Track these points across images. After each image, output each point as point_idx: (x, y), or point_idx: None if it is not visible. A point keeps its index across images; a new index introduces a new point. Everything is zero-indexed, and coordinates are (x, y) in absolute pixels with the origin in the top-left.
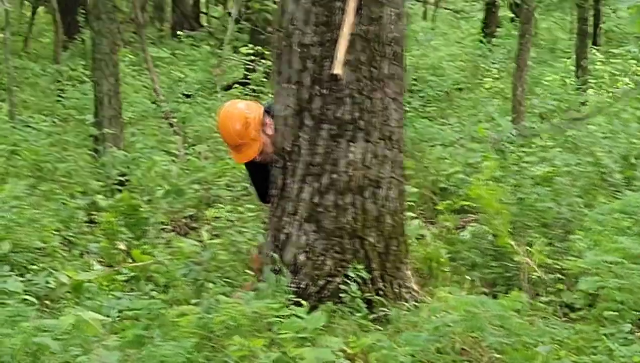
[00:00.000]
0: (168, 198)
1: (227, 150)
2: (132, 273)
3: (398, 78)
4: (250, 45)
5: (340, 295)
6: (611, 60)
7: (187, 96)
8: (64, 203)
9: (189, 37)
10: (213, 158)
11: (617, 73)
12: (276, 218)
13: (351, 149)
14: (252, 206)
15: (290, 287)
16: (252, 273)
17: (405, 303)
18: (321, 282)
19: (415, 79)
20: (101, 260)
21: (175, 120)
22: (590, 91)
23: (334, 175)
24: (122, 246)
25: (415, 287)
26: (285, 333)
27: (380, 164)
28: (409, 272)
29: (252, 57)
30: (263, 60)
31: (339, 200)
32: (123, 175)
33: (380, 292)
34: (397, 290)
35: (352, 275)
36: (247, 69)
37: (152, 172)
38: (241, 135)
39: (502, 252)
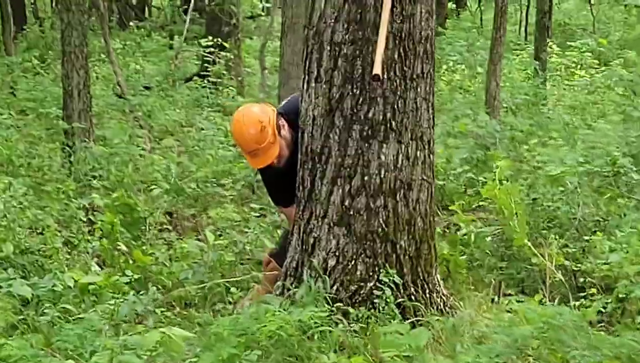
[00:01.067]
0: (167, 197)
1: (243, 155)
2: (136, 275)
3: (429, 77)
4: (210, 37)
5: (374, 301)
6: (566, 52)
7: (147, 88)
8: (66, 204)
9: (139, 28)
10: (189, 153)
11: (573, 66)
12: (304, 221)
13: (383, 150)
14: (255, 206)
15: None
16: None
17: (437, 309)
18: (352, 287)
19: None
20: (97, 261)
21: (140, 113)
22: (547, 84)
23: (366, 178)
24: (123, 247)
25: (444, 291)
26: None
27: (411, 165)
28: (438, 276)
29: (212, 49)
30: (222, 53)
31: (371, 203)
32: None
33: (412, 298)
34: (428, 296)
35: (385, 280)
36: (206, 61)
37: (129, 168)
38: (257, 140)
39: (511, 253)
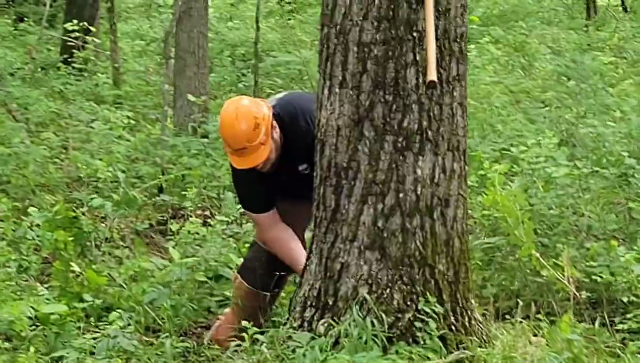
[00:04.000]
0: (115, 208)
1: (224, 152)
2: (96, 301)
3: (464, 79)
4: (75, 21)
5: (416, 334)
6: None
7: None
8: (15, 222)
9: None
10: (83, 150)
11: None
12: (327, 244)
13: (419, 163)
14: (223, 218)
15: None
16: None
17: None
18: (389, 319)
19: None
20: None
21: (14, 105)
22: None
23: (401, 195)
24: (76, 268)
25: (479, 317)
26: None
27: (448, 179)
28: (473, 301)
29: (77, 34)
30: (88, 37)
31: (407, 223)
32: None
33: (453, 328)
34: (467, 324)
35: (426, 309)
36: (71, 47)
37: (30, 170)
38: (248, 137)
39: (507, 264)
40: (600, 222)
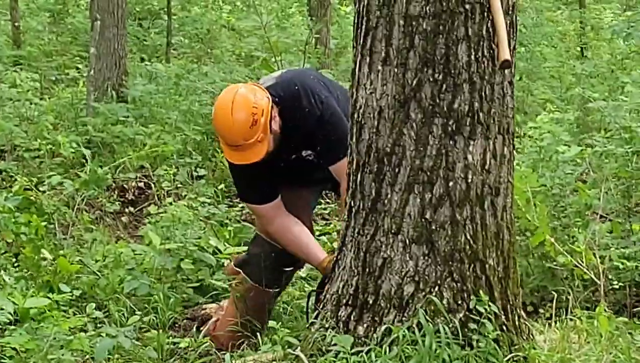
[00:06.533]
0: (88, 190)
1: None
2: (76, 292)
3: (514, 55)
4: None
5: (470, 336)
6: None
7: None
8: None
9: None
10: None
11: None
12: (366, 237)
13: (470, 148)
14: (205, 199)
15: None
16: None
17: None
18: (437, 320)
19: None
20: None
21: None
22: None
23: (451, 183)
24: (47, 254)
25: (524, 315)
26: None
27: (499, 165)
28: (520, 298)
29: None
30: None
31: (457, 215)
32: None
33: (504, 327)
34: (517, 323)
35: (479, 309)
36: None
37: None
38: (245, 135)
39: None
40: (610, 202)
